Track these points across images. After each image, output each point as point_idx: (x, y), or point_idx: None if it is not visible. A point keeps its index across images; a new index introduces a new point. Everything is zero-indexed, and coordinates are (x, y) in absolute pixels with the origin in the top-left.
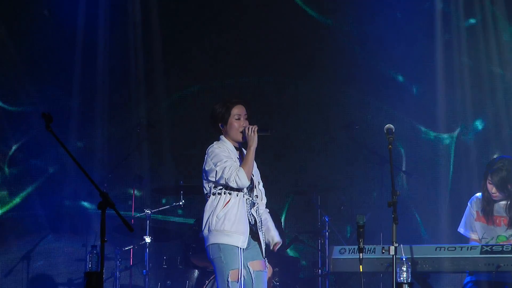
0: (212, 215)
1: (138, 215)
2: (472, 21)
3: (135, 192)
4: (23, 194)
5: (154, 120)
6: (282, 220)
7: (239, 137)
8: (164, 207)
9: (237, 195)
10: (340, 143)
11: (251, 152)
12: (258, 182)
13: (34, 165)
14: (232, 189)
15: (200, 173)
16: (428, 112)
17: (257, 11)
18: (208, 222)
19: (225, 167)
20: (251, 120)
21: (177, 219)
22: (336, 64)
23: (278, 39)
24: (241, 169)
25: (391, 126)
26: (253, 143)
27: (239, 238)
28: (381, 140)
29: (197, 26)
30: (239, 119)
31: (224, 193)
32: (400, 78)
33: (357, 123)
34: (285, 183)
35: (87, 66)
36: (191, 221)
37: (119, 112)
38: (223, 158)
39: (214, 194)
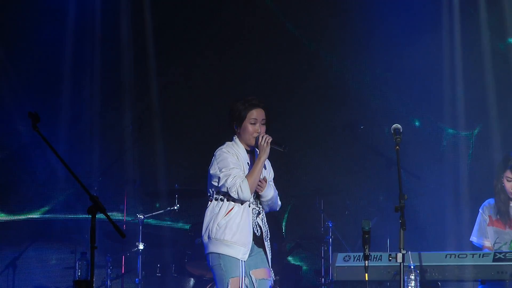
0: (213, 222)
1: (130, 220)
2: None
3: (127, 195)
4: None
5: (148, 119)
6: (283, 225)
7: (252, 142)
8: (158, 212)
9: (241, 204)
10: (344, 143)
11: (260, 164)
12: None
13: (22, 167)
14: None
15: (195, 176)
16: (438, 111)
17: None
18: (208, 229)
19: (229, 175)
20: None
21: (171, 225)
22: (338, 58)
23: (279, 34)
24: (245, 180)
25: (399, 126)
26: (264, 154)
27: (239, 249)
28: (388, 141)
29: (194, 21)
30: (254, 123)
31: (228, 200)
32: (408, 73)
33: (362, 122)
34: (286, 186)
35: (76, 64)
36: (186, 226)
37: (111, 111)
38: (230, 164)
39: (216, 199)
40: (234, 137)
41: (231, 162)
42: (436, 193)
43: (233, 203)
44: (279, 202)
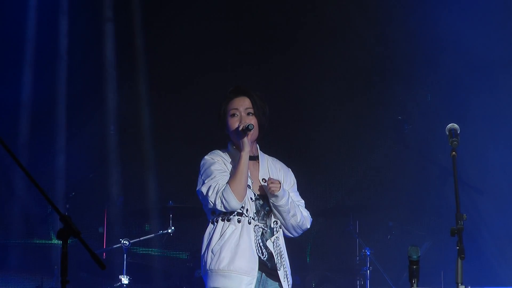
0: (207, 250)
1: (112, 247)
2: None
3: (108, 215)
4: None
5: (133, 121)
6: (307, 253)
7: (236, 139)
8: (148, 236)
9: (238, 221)
10: (385, 148)
11: (242, 160)
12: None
13: None
14: (231, 213)
15: (195, 191)
16: (508, 109)
17: None
18: (203, 260)
19: (209, 186)
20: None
21: (164, 253)
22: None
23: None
24: (227, 187)
25: (455, 125)
26: (244, 146)
27: (241, 279)
28: (442, 145)
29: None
30: (234, 115)
31: (222, 220)
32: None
33: (408, 121)
34: (312, 203)
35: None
36: (183, 255)
37: (88, 111)
38: (213, 173)
39: (212, 222)
40: (228, 143)
41: (215, 170)
42: (505, 211)
43: (228, 222)
44: (307, 214)
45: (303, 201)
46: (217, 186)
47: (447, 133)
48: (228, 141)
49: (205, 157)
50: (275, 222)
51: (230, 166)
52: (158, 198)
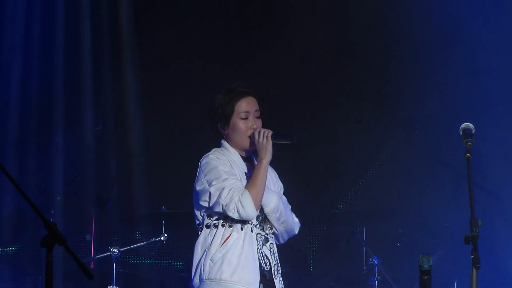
0: (205, 257)
1: (101, 255)
2: None
3: (96, 221)
4: None
5: (123, 120)
6: (310, 261)
7: (247, 144)
8: (139, 244)
9: (241, 228)
10: (394, 149)
11: (263, 168)
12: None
13: None
14: (233, 219)
15: (189, 195)
16: None
17: None
18: (199, 267)
19: (223, 189)
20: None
21: (157, 262)
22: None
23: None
24: (246, 192)
25: (470, 125)
26: (266, 154)
27: None
28: (455, 146)
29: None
30: (246, 118)
31: (223, 226)
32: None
33: (417, 121)
34: (315, 208)
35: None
36: (177, 264)
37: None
38: (222, 174)
39: (208, 226)
40: (222, 142)
41: (223, 171)
42: None
43: (229, 228)
44: (296, 220)
45: (289, 206)
46: (232, 190)
47: (461, 133)
48: (221, 140)
49: (209, 155)
50: (269, 228)
51: (236, 169)
52: (150, 203)
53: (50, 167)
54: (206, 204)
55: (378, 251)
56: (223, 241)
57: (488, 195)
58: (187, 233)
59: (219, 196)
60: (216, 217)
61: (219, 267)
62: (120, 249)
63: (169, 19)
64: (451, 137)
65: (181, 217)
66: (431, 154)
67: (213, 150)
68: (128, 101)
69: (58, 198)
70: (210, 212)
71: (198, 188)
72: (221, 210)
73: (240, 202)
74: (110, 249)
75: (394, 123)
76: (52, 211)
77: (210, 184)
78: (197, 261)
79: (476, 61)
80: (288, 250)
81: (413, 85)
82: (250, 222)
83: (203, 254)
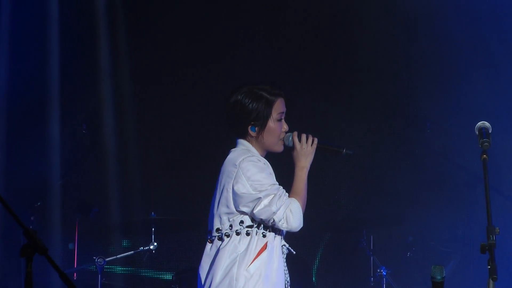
0: (238, 267)
1: (85, 266)
2: None
3: (80, 229)
4: None
5: (110, 119)
6: (313, 271)
7: (280, 147)
8: (126, 254)
9: (274, 238)
10: (404, 150)
11: (305, 176)
12: None
13: None
14: (267, 228)
15: (182, 200)
16: None
17: None
18: (229, 278)
19: (273, 196)
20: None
21: (146, 273)
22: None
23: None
24: (295, 201)
25: (487, 124)
26: (308, 161)
27: None
28: (471, 147)
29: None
30: (281, 119)
31: (257, 234)
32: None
33: (430, 120)
34: (319, 214)
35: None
36: (167, 275)
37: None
38: (270, 179)
39: (238, 233)
40: (241, 142)
41: (270, 176)
42: None
43: (263, 238)
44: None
45: None
46: (282, 198)
47: (477, 132)
48: (241, 139)
49: (251, 157)
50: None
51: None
52: (138, 209)
53: (30, 171)
54: (248, 210)
55: (387, 261)
56: (257, 252)
57: (506, 200)
58: (178, 242)
59: (270, 204)
60: (249, 224)
61: (257, 281)
62: (106, 259)
63: (165, 20)
64: (466, 137)
65: (172, 224)
66: (445, 156)
67: (246, 150)
68: (117, 102)
69: (39, 203)
70: (245, 218)
71: (240, 191)
72: (269, 217)
73: (291, 211)
74: (95, 259)
75: (405, 123)
76: (32, 218)
77: (259, 190)
78: (226, 271)
79: (492, 55)
80: (288, 259)
81: (424, 82)
82: (281, 233)
83: (234, 263)
